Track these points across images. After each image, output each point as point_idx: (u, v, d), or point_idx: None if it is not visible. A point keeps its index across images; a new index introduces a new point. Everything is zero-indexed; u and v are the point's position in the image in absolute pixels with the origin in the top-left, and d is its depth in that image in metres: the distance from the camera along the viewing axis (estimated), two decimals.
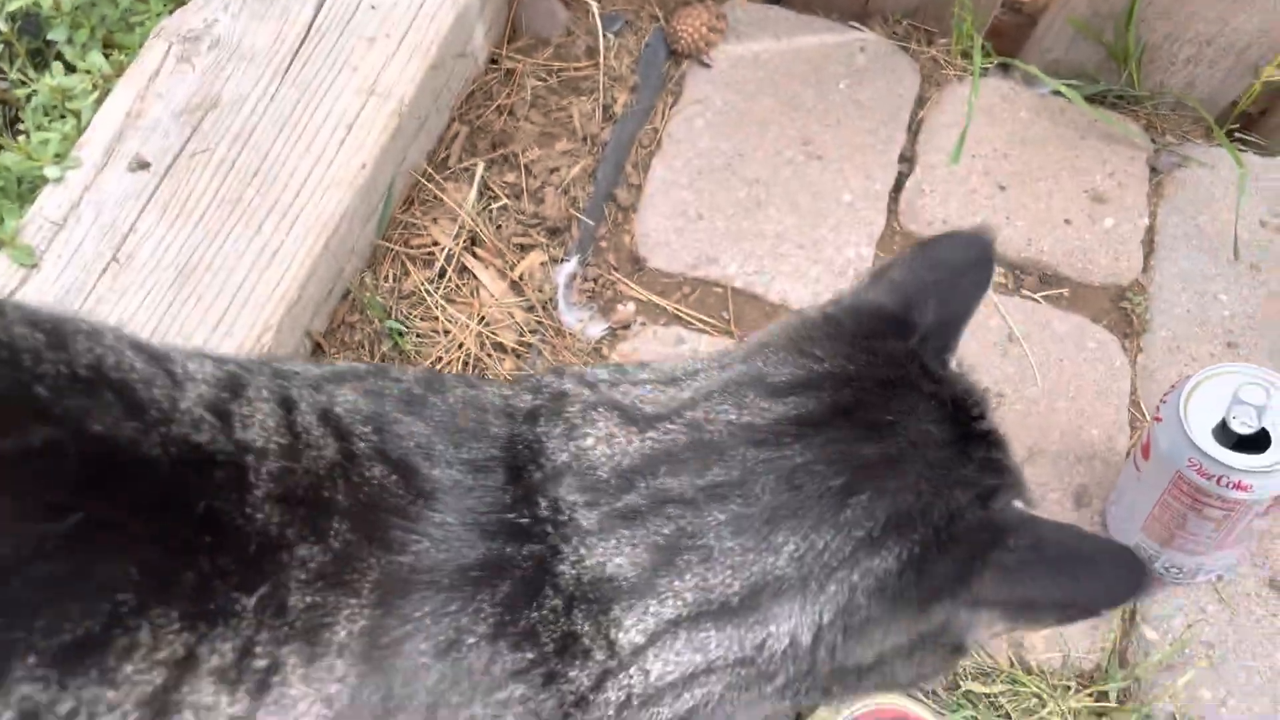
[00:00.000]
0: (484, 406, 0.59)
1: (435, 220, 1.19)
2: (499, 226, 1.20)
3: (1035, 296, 1.20)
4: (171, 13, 1.18)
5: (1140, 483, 0.96)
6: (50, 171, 1.06)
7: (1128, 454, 1.08)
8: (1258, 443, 0.88)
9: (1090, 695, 0.96)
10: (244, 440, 0.51)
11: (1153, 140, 1.31)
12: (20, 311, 0.50)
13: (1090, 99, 1.32)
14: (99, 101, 1.12)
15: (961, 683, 0.96)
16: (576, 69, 1.30)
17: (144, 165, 1.07)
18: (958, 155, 1.24)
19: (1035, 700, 0.95)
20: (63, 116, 1.13)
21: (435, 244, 1.18)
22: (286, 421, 0.53)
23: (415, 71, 1.14)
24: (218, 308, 1.02)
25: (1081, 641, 0.99)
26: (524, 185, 1.22)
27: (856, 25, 1.39)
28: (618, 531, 0.54)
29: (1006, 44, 1.39)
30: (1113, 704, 0.96)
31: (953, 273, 0.61)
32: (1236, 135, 1.33)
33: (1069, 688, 0.96)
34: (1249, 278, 1.20)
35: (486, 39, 1.28)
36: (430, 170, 1.21)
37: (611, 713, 0.54)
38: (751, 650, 0.55)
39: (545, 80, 1.29)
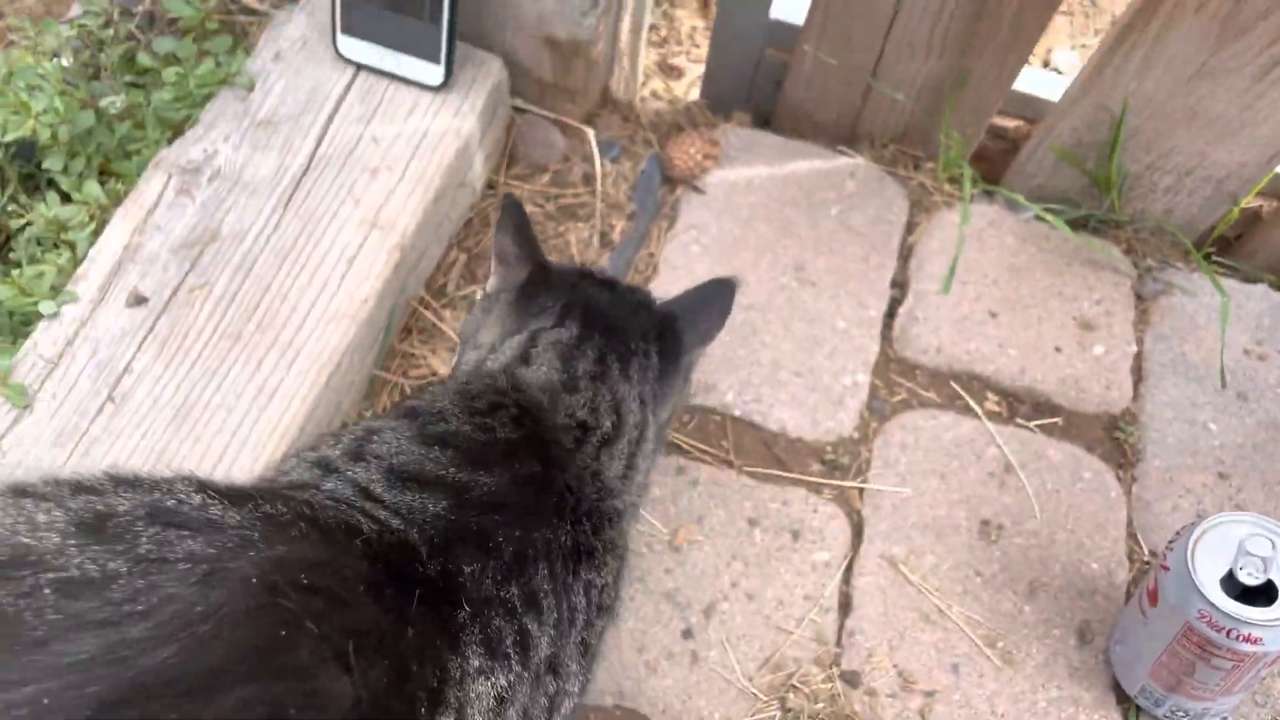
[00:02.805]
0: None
1: (434, 350, 1.18)
2: None
3: (1030, 425, 1.21)
4: (170, 141, 1.17)
5: (1147, 628, 0.96)
6: (45, 307, 1.04)
7: (1127, 593, 1.09)
8: (1265, 593, 0.88)
9: None
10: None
11: (1134, 264, 1.34)
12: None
13: (1073, 224, 1.35)
14: (95, 233, 1.11)
15: None
16: (574, 195, 1.31)
17: (141, 300, 1.06)
18: (948, 285, 1.26)
19: None
20: (56, 247, 1.12)
21: (434, 374, 1.17)
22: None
23: (418, 204, 1.14)
24: (215, 448, 1.00)
25: None
26: None
27: (845, 150, 1.41)
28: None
29: (990, 169, 1.43)
30: None
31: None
32: (1214, 258, 1.37)
33: None
34: (1237, 406, 1.23)
35: (485, 166, 1.28)
36: (428, 298, 1.21)
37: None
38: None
39: (542, 206, 1.30)
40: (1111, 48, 1.20)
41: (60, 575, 0.51)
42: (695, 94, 1.59)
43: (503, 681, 0.65)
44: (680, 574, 1.09)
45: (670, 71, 1.70)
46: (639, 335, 0.90)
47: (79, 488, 0.58)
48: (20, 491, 0.57)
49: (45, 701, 0.46)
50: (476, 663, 0.64)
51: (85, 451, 0.98)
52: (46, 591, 0.50)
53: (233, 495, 0.61)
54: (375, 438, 0.75)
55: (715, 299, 0.96)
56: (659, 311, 0.95)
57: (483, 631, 0.65)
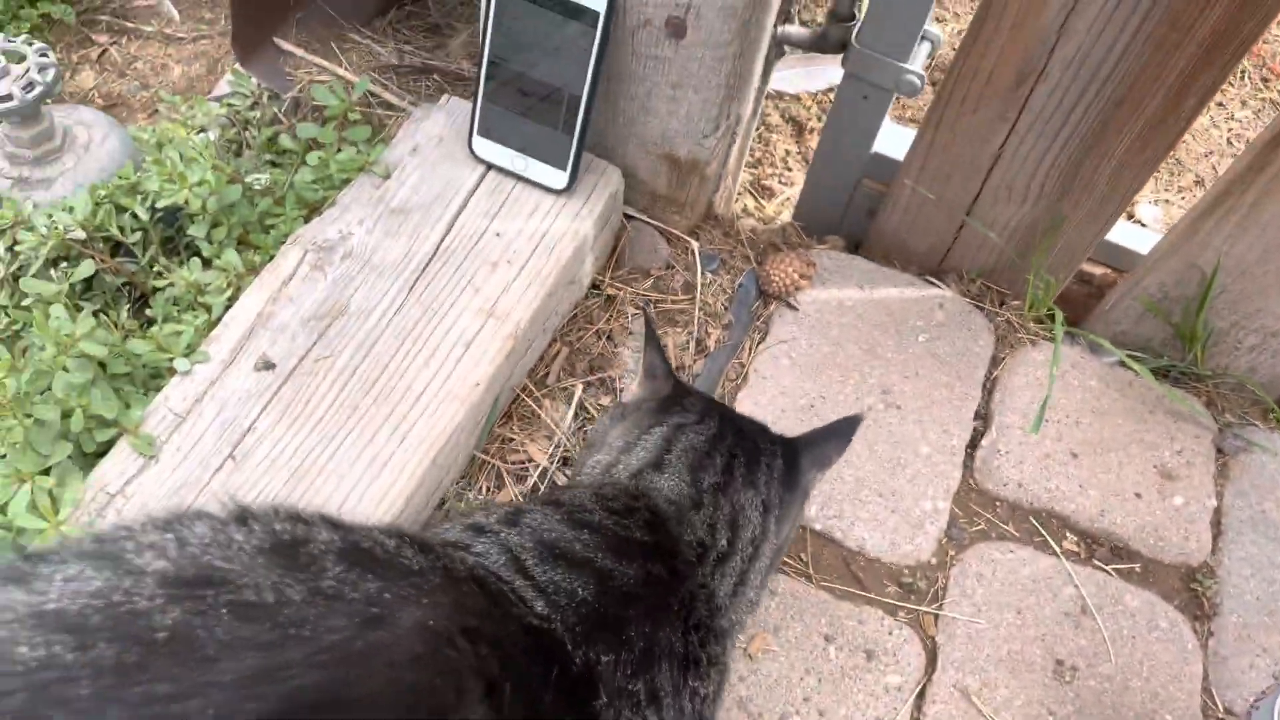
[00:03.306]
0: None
1: (531, 437, 1.23)
2: None
3: (1107, 569, 1.22)
4: (306, 219, 1.25)
5: None
6: (179, 364, 1.10)
7: None
8: None
9: None
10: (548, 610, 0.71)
11: (1215, 418, 1.37)
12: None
13: (1154, 373, 1.38)
14: (231, 299, 1.17)
15: None
16: (673, 302, 1.37)
17: (269, 366, 1.12)
18: (1038, 425, 1.29)
19: None
20: (193, 309, 1.18)
21: (530, 460, 1.21)
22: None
23: (533, 298, 1.20)
24: (327, 511, 1.04)
25: None
26: None
27: (933, 280, 1.46)
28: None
29: (1073, 312, 1.47)
30: None
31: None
32: None
33: None
34: None
35: (594, 267, 1.35)
36: (531, 386, 1.26)
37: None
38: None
39: (643, 310, 1.35)
40: (1206, 210, 1.25)
41: (238, 598, 0.55)
42: (785, 214, 1.66)
43: None
44: (754, 683, 1.11)
45: (763, 192, 1.78)
46: (767, 441, 0.97)
47: (290, 516, 0.64)
48: (238, 515, 0.63)
49: (210, 713, 0.50)
50: None
51: (203, 505, 1.03)
52: (223, 612, 0.54)
53: (421, 544, 0.66)
54: (527, 515, 0.80)
55: (837, 430, 1.02)
56: (783, 437, 1.02)
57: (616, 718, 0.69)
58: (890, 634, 1.15)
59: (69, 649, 0.50)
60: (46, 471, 1.01)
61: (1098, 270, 1.53)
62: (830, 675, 1.12)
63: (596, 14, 1.12)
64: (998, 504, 1.27)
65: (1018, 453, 1.30)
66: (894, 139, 1.44)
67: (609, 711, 0.68)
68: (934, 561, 1.21)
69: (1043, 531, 1.24)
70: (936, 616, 1.17)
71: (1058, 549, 1.23)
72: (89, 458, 1.07)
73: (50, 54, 1.25)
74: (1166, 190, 1.87)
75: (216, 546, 0.60)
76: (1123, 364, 1.39)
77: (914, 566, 1.21)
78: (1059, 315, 1.38)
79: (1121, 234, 1.47)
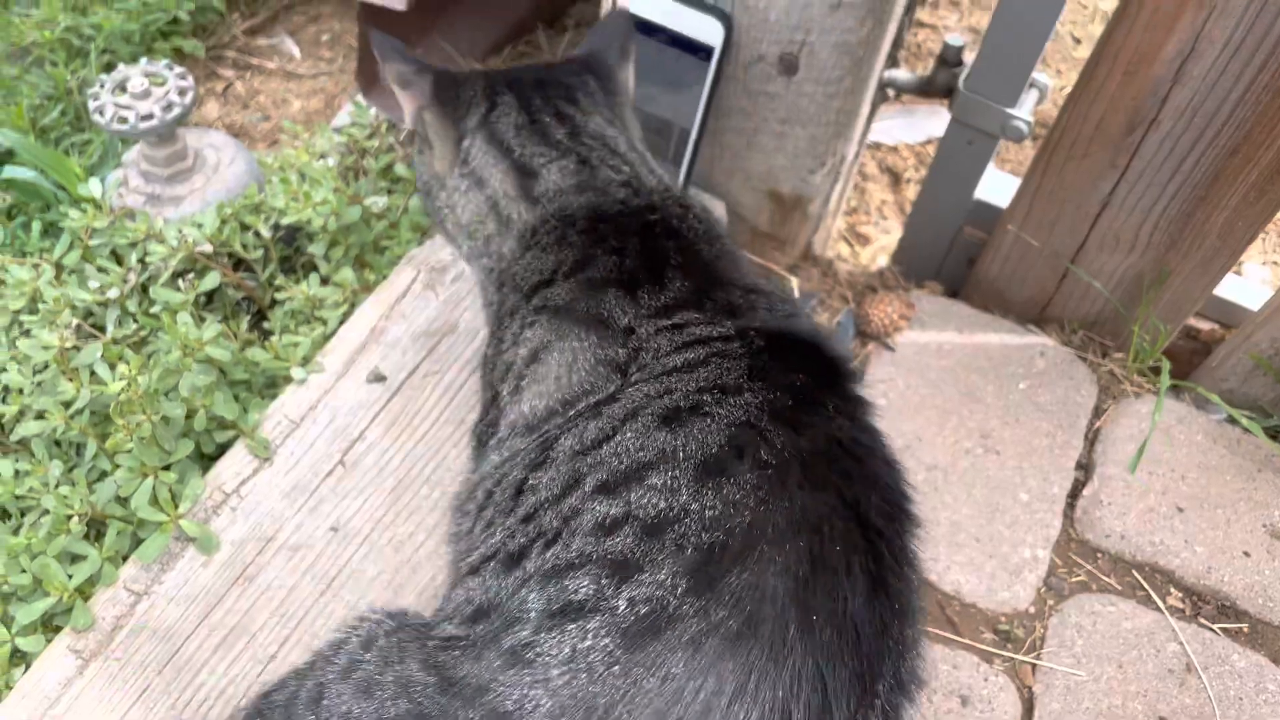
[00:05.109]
0: None
1: None
2: None
3: (1213, 627, 1.18)
4: (420, 243, 1.29)
5: None
6: (296, 373, 1.14)
7: None
8: None
9: None
10: None
11: None
12: None
13: (1264, 431, 1.34)
14: (345, 314, 1.21)
15: None
16: None
17: (380, 379, 1.15)
18: (1135, 465, 1.27)
19: None
20: (309, 322, 1.23)
21: None
22: None
23: None
24: (428, 523, 1.06)
25: None
26: None
27: (1034, 329, 1.45)
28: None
29: (1178, 367, 1.44)
30: None
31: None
32: None
33: None
34: None
35: None
36: None
37: None
38: None
39: None
40: None
41: None
42: (881, 260, 1.67)
43: None
44: None
45: (858, 238, 1.79)
46: (566, 74, 0.99)
47: None
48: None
49: None
50: None
51: (313, 508, 1.06)
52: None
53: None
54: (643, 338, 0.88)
55: (608, 26, 1.05)
56: (571, 61, 1.04)
57: None
58: (986, 681, 1.13)
59: None
60: (168, 468, 1.05)
61: (1204, 325, 1.50)
62: None
63: (711, 50, 1.15)
64: (1099, 555, 1.24)
65: (1121, 504, 1.27)
66: (997, 186, 1.44)
67: None
68: (1032, 610, 1.19)
69: (1146, 586, 1.21)
70: (1034, 666, 1.14)
71: (1162, 604, 1.19)
72: (205, 460, 1.11)
73: (189, 78, 1.32)
74: (1275, 252, 1.83)
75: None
76: (1231, 421, 1.36)
77: (1011, 614, 1.18)
78: (1165, 364, 1.36)
79: (1230, 289, 1.45)
